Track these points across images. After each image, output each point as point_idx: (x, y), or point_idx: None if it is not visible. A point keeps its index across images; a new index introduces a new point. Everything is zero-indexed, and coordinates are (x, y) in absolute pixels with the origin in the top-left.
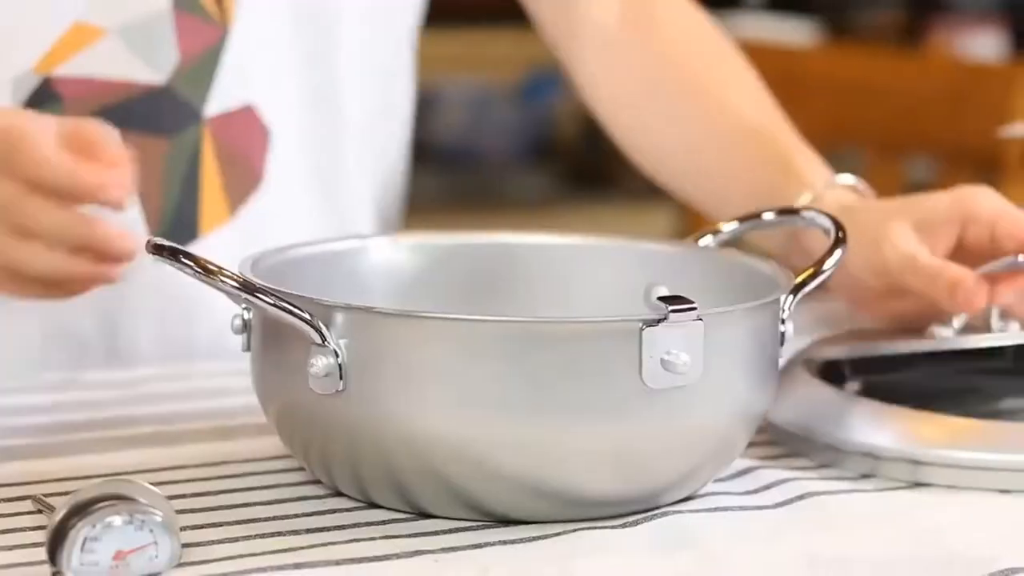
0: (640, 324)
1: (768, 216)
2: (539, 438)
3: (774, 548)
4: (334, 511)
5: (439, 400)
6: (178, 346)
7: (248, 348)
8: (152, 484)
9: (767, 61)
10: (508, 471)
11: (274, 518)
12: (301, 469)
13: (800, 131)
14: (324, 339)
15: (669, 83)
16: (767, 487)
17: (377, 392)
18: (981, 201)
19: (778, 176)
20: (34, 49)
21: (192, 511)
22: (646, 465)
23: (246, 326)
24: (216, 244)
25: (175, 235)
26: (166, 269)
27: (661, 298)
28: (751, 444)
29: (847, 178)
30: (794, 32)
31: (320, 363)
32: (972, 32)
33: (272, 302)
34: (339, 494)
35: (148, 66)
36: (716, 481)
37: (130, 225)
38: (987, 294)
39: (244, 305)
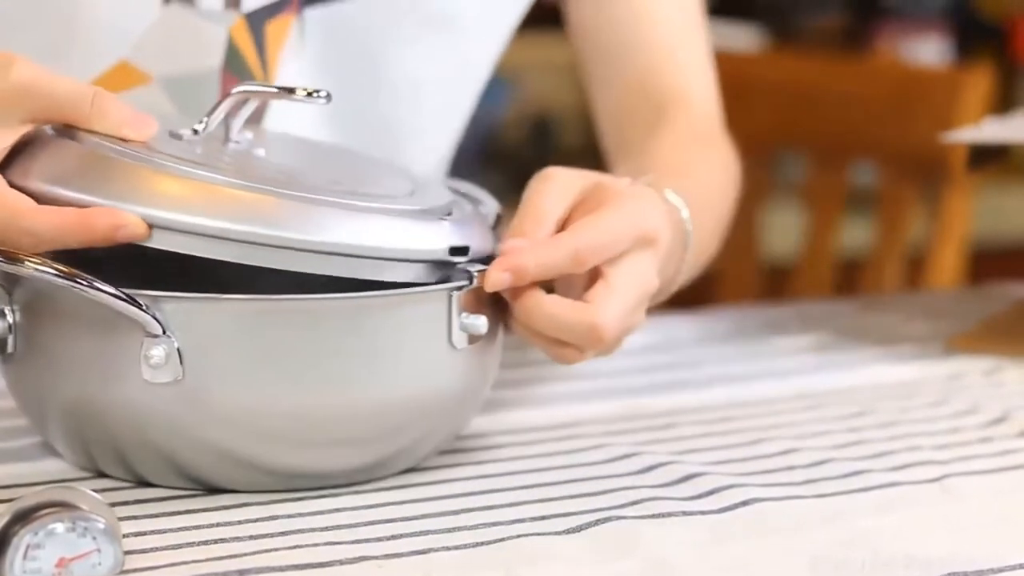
0: (448, 291)
1: None
2: (371, 406)
3: (716, 554)
4: (275, 517)
5: (277, 378)
6: None
7: (13, 349)
8: (94, 491)
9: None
10: (341, 440)
11: (217, 524)
12: None
13: (744, 136)
14: (164, 328)
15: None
16: (710, 493)
17: (214, 375)
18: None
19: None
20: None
21: (135, 518)
22: (453, 416)
23: (11, 328)
24: None
25: None
26: None
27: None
28: (695, 450)
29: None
30: (738, 38)
31: (158, 353)
32: (916, 37)
33: (112, 292)
34: (272, 499)
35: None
36: (659, 486)
37: None
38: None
39: (8, 305)
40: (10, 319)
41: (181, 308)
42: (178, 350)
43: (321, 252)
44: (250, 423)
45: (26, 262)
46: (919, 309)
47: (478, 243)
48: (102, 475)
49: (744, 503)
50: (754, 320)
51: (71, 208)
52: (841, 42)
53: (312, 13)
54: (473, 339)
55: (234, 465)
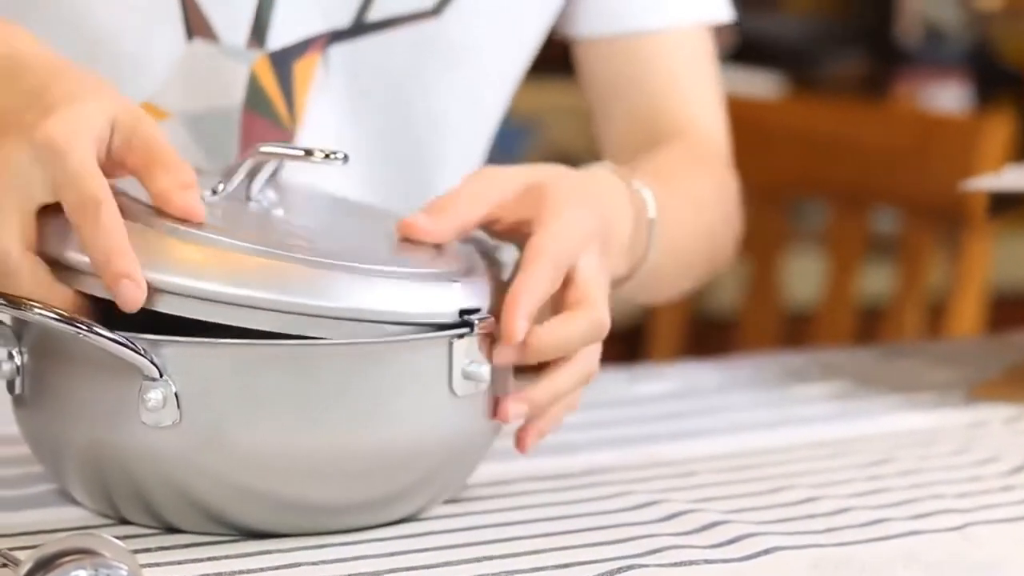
0: (449, 338)
1: None
2: (369, 452)
3: None
4: (298, 564)
5: (270, 420)
6: None
7: (21, 391)
8: (117, 538)
9: (732, 114)
10: (340, 482)
11: (240, 572)
12: None
13: (764, 183)
14: (161, 372)
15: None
16: (731, 541)
17: (212, 418)
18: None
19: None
20: None
21: (157, 565)
22: (456, 464)
23: (19, 370)
24: None
25: None
26: None
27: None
28: (717, 498)
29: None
30: (759, 85)
31: (156, 396)
32: (936, 84)
33: (110, 336)
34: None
35: (207, 158)
36: (681, 534)
37: None
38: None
39: (16, 348)
40: (17, 361)
41: (180, 352)
42: (176, 394)
43: (327, 317)
44: (247, 466)
45: (26, 305)
46: (940, 357)
47: (490, 303)
48: (124, 521)
49: (766, 551)
50: (774, 368)
51: (123, 233)
52: (861, 89)
53: (336, 50)
54: (476, 387)
55: (239, 505)
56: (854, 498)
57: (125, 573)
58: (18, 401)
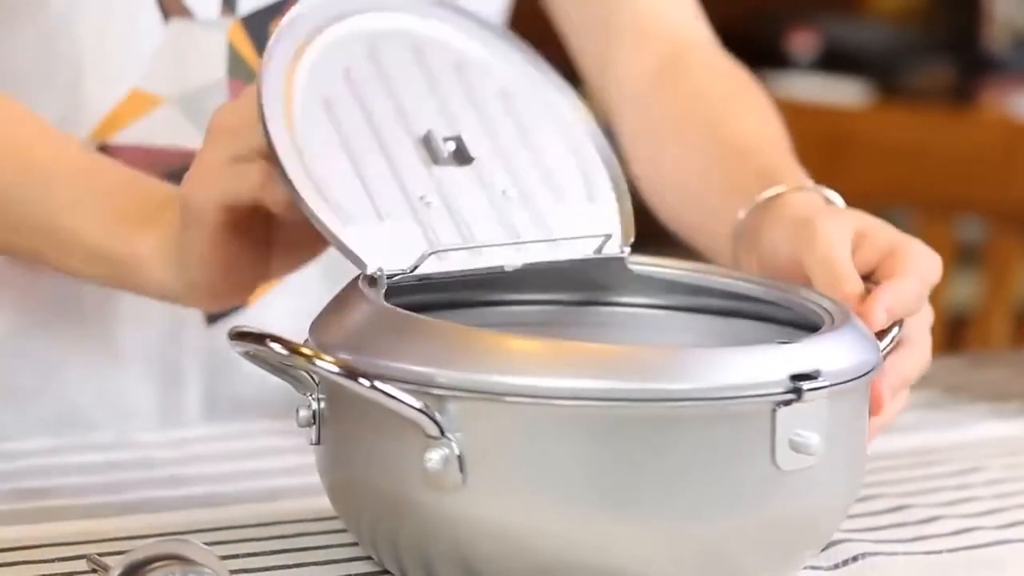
0: (772, 405)
1: None
2: (671, 532)
3: None
4: None
5: (566, 491)
6: (225, 406)
7: (318, 441)
8: (206, 544)
9: (817, 122)
10: (638, 562)
11: None
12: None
13: (850, 191)
14: (442, 430)
15: (689, 122)
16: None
17: (499, 484)
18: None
19: (753, 183)
20: (92, 116)
21: (245, 571)
22: (778, 546)
23: (315, 417)
24: (264, 308)
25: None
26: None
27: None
28: None
29: (829, 192)
30: (844, 92)
31: (436, 456)
32: (1023, 91)
33: (389, 392)
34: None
35: (203, 134)
36: None
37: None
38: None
39: (314, 395)
40: (315, 407)
41: (466, 409)
42: (459, 456)
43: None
44: (534, 538)
45: (310, 357)
46: None
47: (837, 363)
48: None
49: (855, 559)
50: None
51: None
52: (948, 97)
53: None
54: (806, 459)
55: None
56: (943, 507)
57: None
58: (318, 447)
